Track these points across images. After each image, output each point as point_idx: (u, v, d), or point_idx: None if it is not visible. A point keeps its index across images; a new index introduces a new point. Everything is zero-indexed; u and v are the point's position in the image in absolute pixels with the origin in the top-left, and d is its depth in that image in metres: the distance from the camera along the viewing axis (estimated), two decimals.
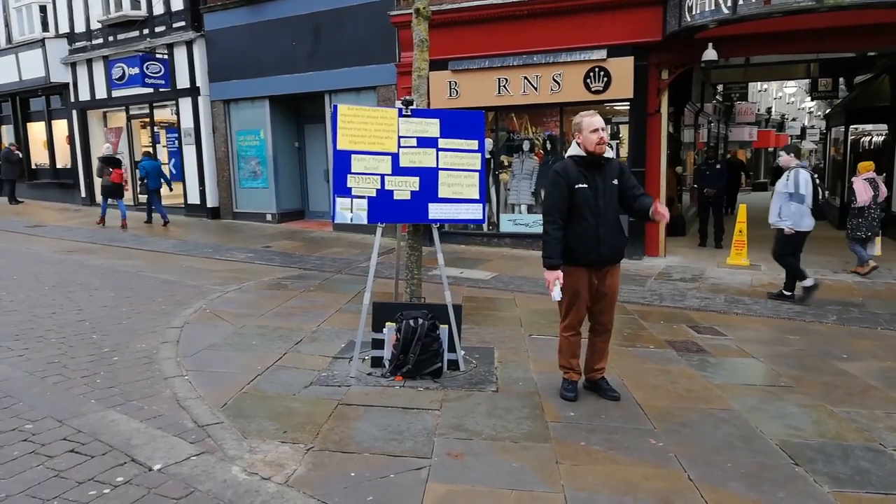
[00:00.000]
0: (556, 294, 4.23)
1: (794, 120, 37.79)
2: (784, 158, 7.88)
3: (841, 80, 17.55)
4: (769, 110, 32.66)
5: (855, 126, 14.92)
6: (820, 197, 7.38)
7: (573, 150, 4.33)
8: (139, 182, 14.76)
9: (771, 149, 33.40)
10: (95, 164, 14.94)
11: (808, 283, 7.44)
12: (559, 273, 4.22)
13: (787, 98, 36.62)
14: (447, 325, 4.90)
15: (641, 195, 4.36)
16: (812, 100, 28.88)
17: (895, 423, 4.15)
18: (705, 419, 4.18)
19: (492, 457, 3.62)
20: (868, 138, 14.45)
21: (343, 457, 3.60)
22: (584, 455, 3.67)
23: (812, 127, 36.80)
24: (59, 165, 18.93)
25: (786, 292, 7.59)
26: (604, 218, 4.21)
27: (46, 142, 19.11)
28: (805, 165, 7.63)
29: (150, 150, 15.71)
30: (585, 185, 4.21)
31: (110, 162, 13.84)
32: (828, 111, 20.58)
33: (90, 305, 7.04)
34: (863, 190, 8.79)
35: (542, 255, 4.31)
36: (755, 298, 7.63)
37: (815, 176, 7.52)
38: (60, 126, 18.52)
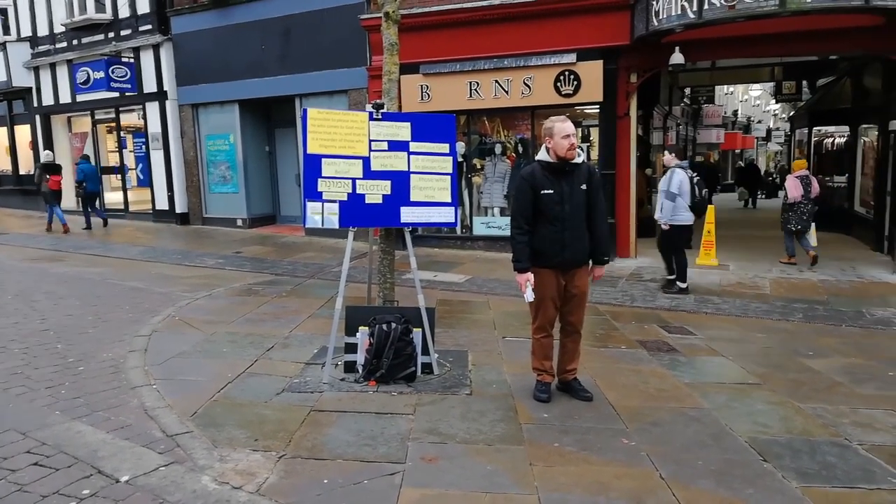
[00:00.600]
0: (529, 295, 4.28)
1: (759, 122, 38.58)
2: (667, 157, 8.45)
3: (804, 83, 17.96)
4: (735, 113, 33.30)
5: (818, 128, 15.28)
6: (697, 195, 7.93)
7: (542, 154, 4.36)
8: (76, 186, 14.52)
9: (737, 150, 34.05)
10: (36, 171, 14.78)
11: (682, 285, 8.05)
12: (530, 275, 4.27)
13: (752, 101, 37.35)
14: (421, 329, 4.89)
15: (602, 230, 4.44)
16: (777, 102, 29.53)
17: (860, 419, 4.24)
18: (676, 418, 4.23)
19: (466, 460, 3.62)
20: (831, 140, 14.80)
21: (316, 464, 3.56)
22: (558, 456, 3.68)
23: (777, 129, 37.64)
24: (22, 172, 18.50)
25: (681, 285, 8.04)
26: (569, 223, 4.26)
27: (9, 147, 18.66)
28: (684, 166, 8.19)
29: (90, 153, 15.55)
30: (552, 191, 4.24)
31: (50, 168, 13.79)
32: (792, 114, 21.05)
33: (55, 314, 6.87)
34: (793, 187, 9.50)
35: (512, 260, 4.36)
36: (724, 298, 7.75)
37: (694, 175, 8.13)
38: (23, 131, 18.11)
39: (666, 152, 8.75)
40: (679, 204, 7.83)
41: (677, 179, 7.85)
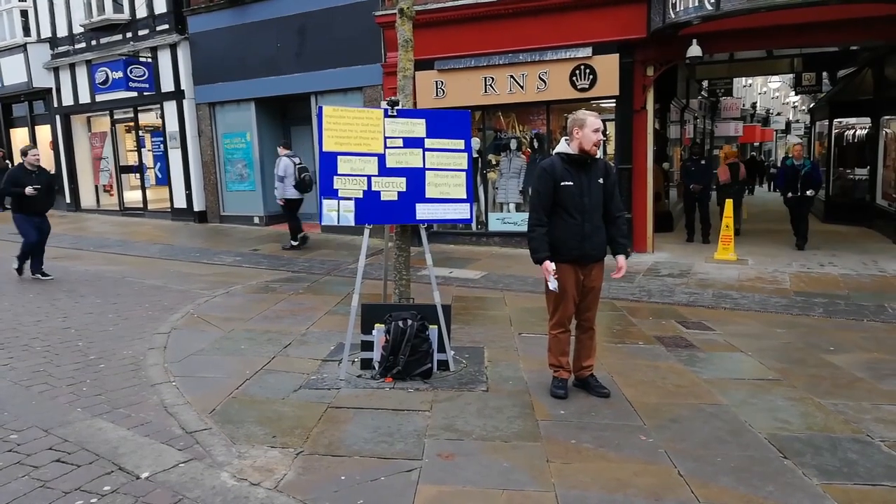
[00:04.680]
0: (553, 284, 4.23)
1: (778, 114, 38.10)
2: (281, 150, 10.99)
3: (824, 74, 17.67)
4: (754, 105, 32.91)
5: (839, 120, 15.03)
6: (301, 176, 10.64)
7: (562, 147, 4.35)
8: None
9: (756, 143, 33.64)
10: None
11: (295, 242, 10.93)
12: (552, 264, 4.23)
13: (771, 93, 36.90)
14: (437, 326, 4.89)
15: (619, 219, 4.43)
16: (796, 94, 29.12)
17: (882, 415, 4.18)
18: (695, 414, 4.20)
19: (483, 457, 3.61)
20: (852, 132, 14.57)
21: (333, 460, 3.58)
22: (575, 453, 3.67)
23: (797, 121, 37.13)
24: None
25: (293, 242, 10.99)
26: (589, 215, 4.26)
27: None
28: (290, 154, 10.84)
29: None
30: (571, 183, 4.24)
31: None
32: (812, 105, 20.74)
33: (75, 312, 6.97)
34: (720, 172, 11.76)
35: (530, 252, 4.34)
36: (743, 293, 7.67)
37: (298, 160, 10.79)
38: (44, 132, 18.33)
39: (280, 148, 11.15)
40: (286, 184, 10.66)
41: (283, 165, 10.68)
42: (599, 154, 4.41)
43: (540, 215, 4.28)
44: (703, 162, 11.68)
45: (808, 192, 10.25)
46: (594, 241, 4.29)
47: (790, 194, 10.39)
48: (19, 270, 8.91)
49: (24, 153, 8.71)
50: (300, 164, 10.82)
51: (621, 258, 4.43)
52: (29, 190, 8.28)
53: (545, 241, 4.26)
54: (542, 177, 4.31)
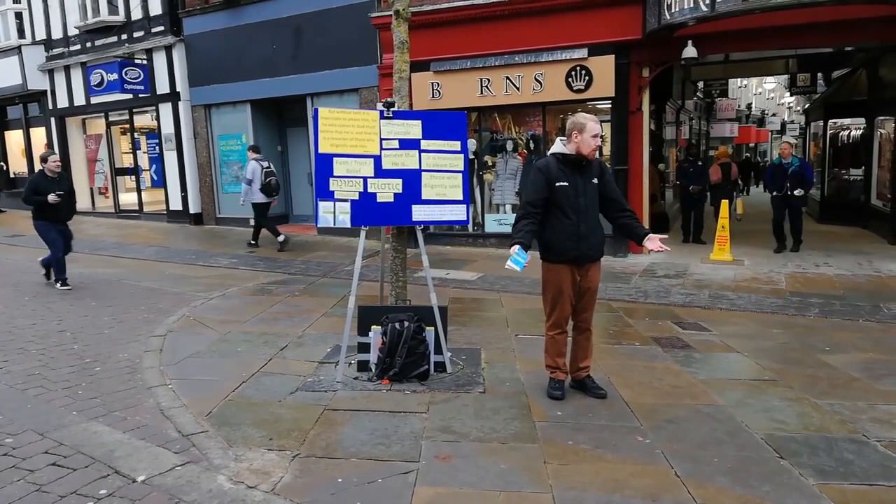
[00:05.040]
0: (513, 264, 4.03)
1: (774, 115, 38.18)
2: (250, 155, 11.34)
3: (819, 75, 17.73)
4: (749, 106, 32.97)
5: (834, 120, 15.08)
6: (267, 180, 10.99)
7: (557, 147, 4.35)
8: None
9: (752, 144, 33.72)
10: None
11: (280, 238, 11.19)
12: (518, 247, 4.11)
13: (766, 94, 37.01)
14: (433, 328, 4.89)
15: (629, 215, 4.42)
16: (791, 95, 29.20)
17: (878, 415, 4.19)
18: (691, 415, 4.20)
19: (480, 458, 3.61)
20: (846, 132, 14.62)
21: (330, 463, 3.57)
22: (572, 454, 3.67)
23: (792, 122, 37.25)
24: None
25: (252, 241, 11.45)
26: (584, 215, 4.26)
27: (25, 150, 18.86)
28: (259, 158, 11.16)
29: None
30: (566, 183, 4.24)
31: None
32: (807, 106, 20.81)
33: (71, 315, 6.94)
34: (712, 172, 11.72)
35: (512, 234, 4.30)
36: (739, 293, 7.69)
37: (266, 164, 11.19)
38: (39, 134, 18.27)
39: (250, 151, 11.52)
40: (253, 188, 10.97)
41: (251, 168, 11.02)
42: (595, 155, 4.40)
43: (529, 210, 4.25)
44: (699, 163, 11.71)
45: (797, 192, 9.91)
46: (590, 242, 4.29)
47: (775, 192, 10.20)
48: (48, 276, 8.66)
49: (43, 159, 8.31)
50: (268, 167, 11.20)
51: (653, 236, 4.27)
52: (52, 198, 7.94)
53: (530, 235, 4.21)
54: (537, 177, 4.31)
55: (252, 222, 11.93)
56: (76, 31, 16.11)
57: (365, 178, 4.95)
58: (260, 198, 11.09)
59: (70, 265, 8.50)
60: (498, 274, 8.87)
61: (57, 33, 16.76)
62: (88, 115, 17.06)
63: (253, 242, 11.53)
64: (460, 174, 5.17)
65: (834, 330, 6.21)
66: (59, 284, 8.32)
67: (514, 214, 10.84)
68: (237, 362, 5.29)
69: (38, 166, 8.58)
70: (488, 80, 10.64)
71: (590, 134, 4.21)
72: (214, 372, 5.09)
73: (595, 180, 4.33)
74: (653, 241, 4.28)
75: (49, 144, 17.69)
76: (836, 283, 8.15)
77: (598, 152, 4.36)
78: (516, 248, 4.12)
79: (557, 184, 4.23)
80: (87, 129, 17.55)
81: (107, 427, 4.08)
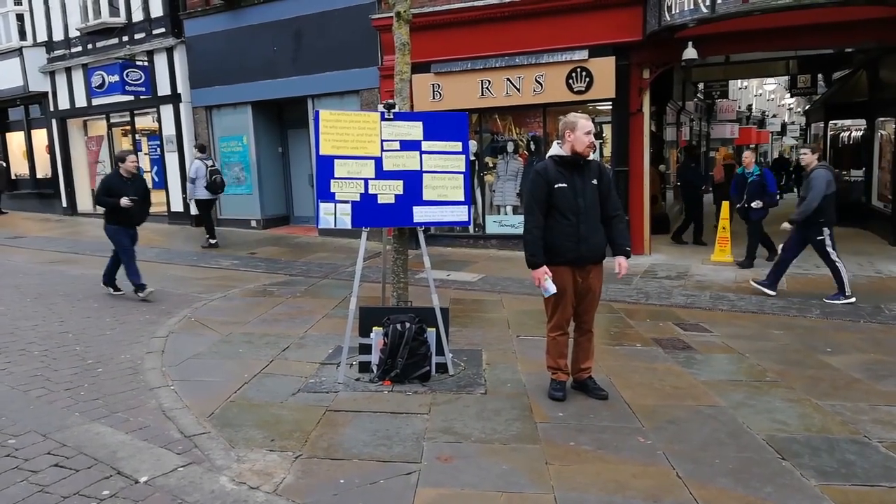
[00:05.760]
0: (550, 287, 4.22)
1: (774, 116, 38.20)
2: (195, 153, 11.90)
3: (819, 76, 17.76)
4: (750, 107, 32.99)
5: (834, 121, 15.10)
6: (213, 178, 11.51)
7: (555, 150, 4.37)
8: None
9: (752, 146, 33.70)
10: None
11: (213, 241, 11.71)
12: (546, 269, 4.23)
13: (767, 95, 37.01)
14: (435, 329, 4.89)
15: (617, 218, 4.42)
16: (792, 96, 29.22)
17: (880, 416, 4.19)
18: (693, 416, 4.21)
19: (481, 459, 3.62)
20: (847, 133, 14.63)
21: (332, 464, 3.58)
22: (574, 455, 3.68)
23: (792, 123, 37.28)
24: (39, 175, 18.68)
25: (211, 241, 11.72)
26: (584, 216, 4.26)
27: (26, 151, 18.88)
28: (204, 158, 11.70)
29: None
30: (565, 185, 4.25)
31: None
32: (807, 107, 20.82)
33: (73, 316, 6.95)
34: (716, 172, 12.41)
35: (525, 255, 4.33)
36: (740, 294, 7.69)
37: (211, 163, 11.77)
38: (40, 135, 18.28)
39: (195, 149, 12.00)
40: (197, 185, 11.47)
41: (195, 167, 11.50)
42: (594, 156, 4.42)
43: (535, 217, 4.28)
44: (692, 164, 11.76)
45: (754, 204, 9.13)
46: (591, 243, 4.29)
47: (738, 205, 9.48)
48: (115, 288, 8.08)
49: (120, 159, 7.74)
50: (212, 166, 11.87)
51: (621, 259, 4.39)
52: (124, 201, 7.40)
53: (541, 245, 4.25)
54: (536, 180, 4.32)
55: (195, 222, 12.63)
56: (77, 33, 16.12)
57: (366, 180, 4.95)
58: (204, 194, 11.68)
59: (71, 266, 8.51)
60: (499, 275, 8.87)
61: (58, 35, 16.77)
62: (90, 117, 17.07)
63: (213, 241, 11.87)
64: (462, 175, 5.17)
65: (835, 331, 6.21)
66: (139, 293, 7.68)
67: (515, 216, 11.02)
68: (239, 363, 5.30)
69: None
70: (489, 82, 10.65)
71: (582, 131, 4.23)
72: (216, 373, 5.09)
73: (595, 181, 4.33)
74: (619, 264, 4.35)
75: (50, 146, 17.72)
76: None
77: (598, 154, 4.37)
78: (545, 275, 4.19)
79: (557, 186, 4.24)
80: (89, 131, 17.55)
81: (109, 428, 4.08)
